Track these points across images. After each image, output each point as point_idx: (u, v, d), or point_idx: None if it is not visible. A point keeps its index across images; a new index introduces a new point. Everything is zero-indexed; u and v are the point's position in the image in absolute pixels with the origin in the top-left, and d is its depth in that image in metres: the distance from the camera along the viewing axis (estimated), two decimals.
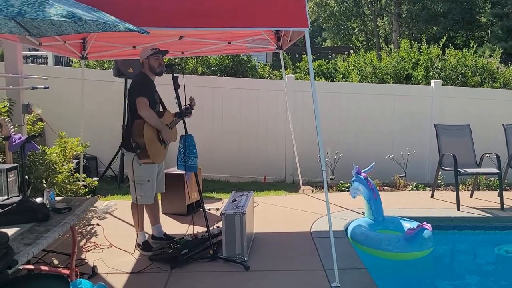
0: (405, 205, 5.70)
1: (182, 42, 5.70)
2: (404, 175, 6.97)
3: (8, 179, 3.22)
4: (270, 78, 8.70)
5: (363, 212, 5.11)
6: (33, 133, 5.42)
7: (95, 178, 6.33)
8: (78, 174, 5.77)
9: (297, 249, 4.26)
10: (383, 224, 4.72)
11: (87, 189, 5.84)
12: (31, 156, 4.94)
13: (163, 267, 3.83)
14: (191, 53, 6.11)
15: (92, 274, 3.67)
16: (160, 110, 4.14)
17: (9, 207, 2.76)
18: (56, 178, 5.03)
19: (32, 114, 5.43)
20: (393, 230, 4.65)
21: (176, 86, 3.93)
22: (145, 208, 4.32)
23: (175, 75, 3.95)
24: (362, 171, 4.91)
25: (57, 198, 3.29)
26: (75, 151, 5.57)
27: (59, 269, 3.36)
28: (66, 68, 9.20)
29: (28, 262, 3.41)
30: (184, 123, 3.99)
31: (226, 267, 3.83)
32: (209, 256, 3.93)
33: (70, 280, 3.21)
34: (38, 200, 3.19)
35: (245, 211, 3.90)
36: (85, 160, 6.82)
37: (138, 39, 5.68)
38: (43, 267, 3.29)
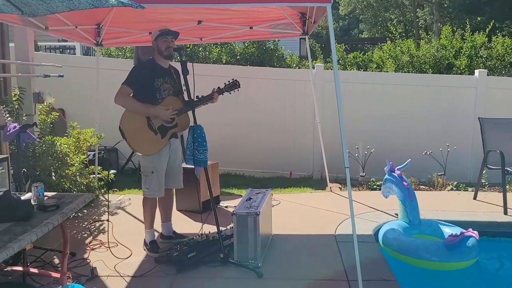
0: (444, 207, 5.13)
1: (201, 28, 5.35)
2: (443, 173, 6.35)
3: None
4: (299, 68, 8.23)
5: (396, 214, 4.60)
6: (50, 123, 5.20)
7: (112, 171, 6.09)
8: (93, 166, 5.54)
9: (319, 254, 3.82)
10: (419, 228, 4.22)
11: (102, 182, 5.60)
12: (43, 147, 4.71)
13: (169, 270, 3.49)
14: (211, 39, 5.74)
15: (91, 276, 3.37)
16: (168, 97, 3.76)
17: None
18: (66, 171, 4.79)
19: (45, 104, 5.22)
20: (431, 236, 4.15)
21: (185, 72, 3.55)
22: (158, 203, 4.00)
23: (184, 59, 3.58)
24: (396, 169, 4.40)
25: (49, 194, 2.99)
26: (89, 142, 5.33)
27: (49, 271, 3.06)
28: (82, 57, 9.02)
29: (21, 262, 3.15)
30: (193, 112, 3.60)
31: (236, 273, 3.44)
32: (220, 260, 3.55)
33: (61, 285, 2.92)
34: (27, 196, 2.91)
35: (259, 212, 3.49)
36: (102, 153, 6.60)
37: (155, 25, 5.34)
38: (32, 269, 3.01)
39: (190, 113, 3.72)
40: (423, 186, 6.21)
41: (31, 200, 2.76)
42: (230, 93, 3.93)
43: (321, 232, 4.35)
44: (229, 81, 3.91)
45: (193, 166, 3.71)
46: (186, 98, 3.75)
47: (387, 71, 8.08)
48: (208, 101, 3.82)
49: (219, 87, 3.87)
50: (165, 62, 3.78)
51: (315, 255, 3.80)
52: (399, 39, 8.95)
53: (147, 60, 3.83)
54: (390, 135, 6.99)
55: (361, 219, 4.56)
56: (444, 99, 6.97)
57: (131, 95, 3.64)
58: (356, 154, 6.56)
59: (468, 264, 3.76)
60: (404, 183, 4.31)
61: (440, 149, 6.52)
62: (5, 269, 2.94)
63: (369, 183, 6.23)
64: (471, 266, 3.78)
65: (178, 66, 3.82)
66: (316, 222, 4.64)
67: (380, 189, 5.86)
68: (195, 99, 3.70)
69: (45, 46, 9.83)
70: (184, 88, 3.60)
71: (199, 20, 5.18)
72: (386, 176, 4.43)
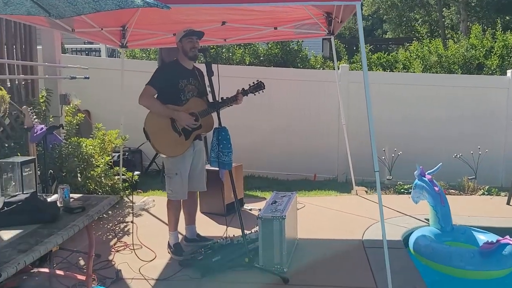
0: (476, 212, 4.94)
1: (225, 29, 5.30)
2: (474, 177, 6.13)
3: (24, 174, 2.95)
4: (323, 69, 8.11)
5: (426, 219, 4.46)
6: (75, 125, 5.24)
7: (136, 172, 6.09)
8: (117, 167, 5.55)
9: (346, 260, 3.71)
10: (452, 235, 4.07)
11: (127, 184, 5.61)
12: (69, 149, 4.74)
13: (193, 274, 3.44)
14: (235, 40, 5.69)
15: (116, 279, 3.35)
16: (192, 98, 3.72)
17: (14, 206, 2.45)
18: (92, 172, 4.81)
19: (71, 105, 5.26)
20: (464, 243, 3.99)
21: (210, 73, 3.50)
22: (182, 206, 3.97)
23: (208, 60, 3.53)
24: (426, 173, 4.24)
25: (75, 196, 2.97)
26: (114, 143, 5.34)
27: (74, 273, 3.05)
28: (107, 59, 9.09)
29: (48, 263, 3.15)
30: (218, 114, 3.55)
31: (262, 278, 3.36)
32: (244, 264, 3.48)
33: (86, 287, 2.90)
34: (53, 197, 2.90)
35: (285, 215, 3.41)
36: (126, 154, 6.63)
37: (179, 26, 5.32)
38: (58, 271, 3.00)
39: (214, 114, 3.67)
40: (452, 190, 6.01)
41: (57, 202, 2.75)
42: (254, 95, 3.86)
43: (348, 236, 4.24)
44: (253, 83, 3.84)
45: (216, 168, 3.66)
46: (210, 99, 3.70)
47: (414, 72, 7.88)
48: (233, 103, 3.77)
49: (243, 89, 3.81)
50: (189, 63, 3.74)
51: (342, 261, 3.70)
52: (426, 38, 8.72)
53: (171, 61, 3.81)
54: (417, 137, 6.81)
55: (390, 224, 4.42)
56: (475, 100, 6.75)
57: (155, 96, 3.61)
58: (383, 157, 6.40)
59: (505, 273, 3.60)
60: (435, 188, 4.16)
61: (471, 152, 6.31)
62: (32, 271, 2.94)
63: (396, 187, 6.07)
64: (508, 275, 3.61)
65: (201, 67, 3.78)
66: (343, 226, 4.53)
67: (408, 193, 5.72)
68: (219, 101, 3.65)
69: (71, 48, 9.98)
70: (208, 89, 3.55)
71: (223, 21, 5.13)
72: (416, 181, 4.28)
